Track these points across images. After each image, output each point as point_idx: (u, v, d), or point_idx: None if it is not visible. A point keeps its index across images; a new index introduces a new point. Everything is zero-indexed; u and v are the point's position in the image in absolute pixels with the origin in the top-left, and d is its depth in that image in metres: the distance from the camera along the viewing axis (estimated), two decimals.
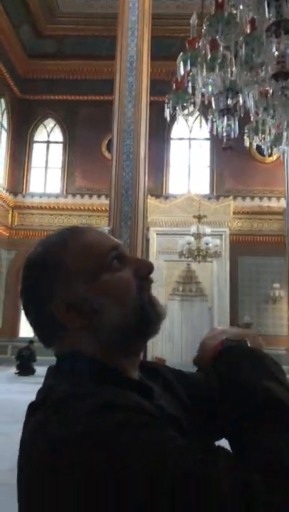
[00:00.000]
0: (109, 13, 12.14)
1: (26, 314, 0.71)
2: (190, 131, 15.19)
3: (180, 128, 15.09)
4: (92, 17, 13.86)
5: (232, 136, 2.57)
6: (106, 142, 14.50)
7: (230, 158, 14.13)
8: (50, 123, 15.60)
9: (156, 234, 13.78)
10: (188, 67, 2.34)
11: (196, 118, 13.94)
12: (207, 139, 14.94)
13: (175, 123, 14.74)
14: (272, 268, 13.94)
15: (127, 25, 7.42)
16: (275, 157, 13.73)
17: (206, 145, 15.06)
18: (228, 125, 2.52)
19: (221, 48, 2.17)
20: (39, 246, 0.72)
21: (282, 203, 13.35)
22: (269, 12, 1.71)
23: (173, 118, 2.85)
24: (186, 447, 0.55)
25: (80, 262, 0.67)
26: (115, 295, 0.66)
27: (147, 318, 0.68)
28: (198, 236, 11.00)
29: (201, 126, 11.40)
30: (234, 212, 13.97)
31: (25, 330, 14.24)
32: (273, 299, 13.70)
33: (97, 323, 0.66)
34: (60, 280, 0.67)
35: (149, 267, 0.70)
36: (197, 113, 2.96)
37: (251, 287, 13.98)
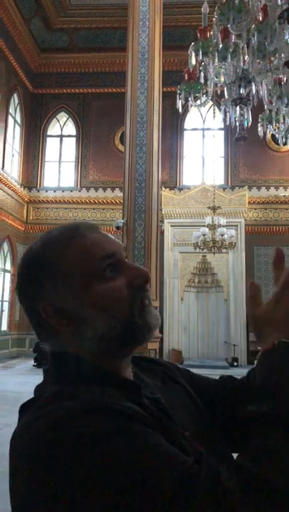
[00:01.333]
0: (119, 4, 12.04)
1: (23, 309, 0.72)
2: (203, 122, 15.04)
3: (193, 118, 14.96)
4: (103, 8, 13.77)
5: (245, 125, 2.54)
6: (119, 135, 14.46)
7: (245, 148, 13.98)
8: (62, 117, 15.61)
9: (171, 226, 13.74)
10: (200, 57, 2.31)
11: (210, 108, 13.80)
12: (221, 129, 14.77)
13: (188, 113, 14.66)
14: (287, 258, 13.79)
15: (138, 16, 7.35)
16: None
17: (220, 135, 14.89)
18: (241, 115, 2.49)
19: (233, 37, 2.14)
20: (38, 243, 0.71)
21: None
22: None
23: (186, 108, 2.82)
24: (168, 457, 0.56)
25: (75, 267, 0.66)
26: (104, 307, 0.65)
27: (135, 329, 0.67)
28: (213, 227, 10.93)
29: (214, 117, 11.26)
30: (249, 203, 13.83)
31: None
32: None
33: (83, 331, 0.66)
34: (52, 282, 0.66)
35: (145, 277, 0.69)
36: (211, 103, 2.92)
37: (268, 278, 13.86)
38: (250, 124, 2.57)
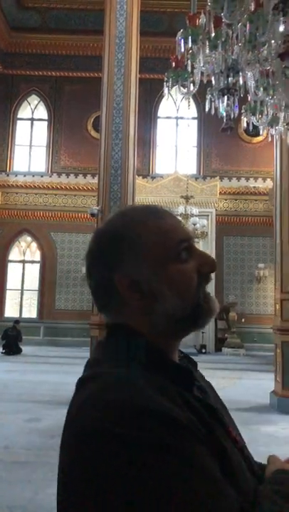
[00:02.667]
0: None
1: (88, 277, 0.73)
2: (177, 110, 15.02)
3: (167, 106, 14.90)
4: None
5: (232, 116, 2.55)
6: (92, 120, 14.25)
7: (218, 139, 14.08)
8: (34, 100, 15.22)
9: None
10: (189, 45, 2.30)
11: (184, 97, 13.72)
12: (194, 118, 14.81)
13: (162, 101, 14.58)
14: (257, 248, 14.10)
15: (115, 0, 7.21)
16: (262, 138, 13.73)
17: (194, 124, 14.92)
18: (228, 105, 2.50)
19: (224, 26, 2.14)
20: (119, 218, 0.73)
21: (268, 183, 13.42)
22: None
23: (160, 96, 2.80)
24: (219, 489, 0.56)
25: (155, 245, 0.68)
26: (177, 287, 0.68)
27: (200, 313, 0.70)
28: (185, 216, 11.01)
29: (189, 106, 11.27)
30: (220, 193, 13.99)
31: (11, 310, 14.21)
32: (258, 278, 13.89)
33: (154, 308, 0.68)
34: (133, 255, 0.68)
35: (213, 266, 0.72)
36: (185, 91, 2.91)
37: (236, 267, 14.14)
38: (236, 114, 2.59)
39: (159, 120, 15.12)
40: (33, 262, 14.60)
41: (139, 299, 0.68)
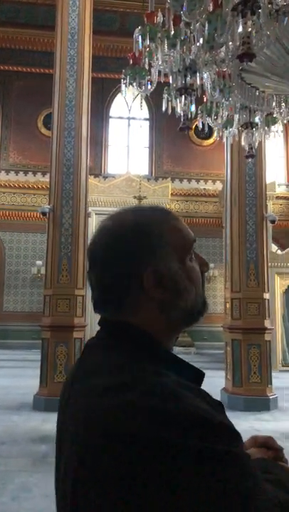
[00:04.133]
0: None
1: (101, 272, 0.72)
2: (129, 111, 15.02)
3: (119, 106, 14.87)
4: None
5: (189, 116, 2.56)
6: (42, 117, 13.94)
7: (169, 140, 14.24)
8: None
9: (96, 214, 13.59)
10: (147, 42, 2.28)
11: (136, 97, 13.79)
12: (146, 119, 14.89)
13: (114, 101, 14.53)
14: (207, 249, 14.38)
15: None
16: (212, 140, 14.05)
17: (146, 126, 15.00)
18: (185, 104, 2.51)
19: (182, 25, 2.14)
20: (136, 215, 0.75)
21: (218, 185, 13.73)
22: None
23: (112, 96, 2.77)
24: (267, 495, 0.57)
25: (177, 242, 0.73)
26: (194, 282, 0.73)
27: (205, 308, 0.77)
28: None
29: (141, 107, 11.30)
30: (172, 194, 14.14)
31: None
32: (208, 278, 14.18)
33: (176, 303, 0.71)
34: (162, 250, 0.71)
35: (208, 266, 0.79)
36: (136, 92, 2.89)
37: None
38: (194, 114, 2.60)
39: (111, 120, 15.05)
40: None
41: (162, 293, 0.70)
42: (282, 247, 13.02)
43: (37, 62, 13.62)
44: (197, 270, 0.75)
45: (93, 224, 13.53)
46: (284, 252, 11.46)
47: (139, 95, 2.77)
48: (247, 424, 5.67)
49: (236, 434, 0.59)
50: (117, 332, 0.70)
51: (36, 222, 12.32)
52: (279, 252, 11.77)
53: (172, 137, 13.80)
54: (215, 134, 3.09)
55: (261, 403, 6.39)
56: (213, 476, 0.53)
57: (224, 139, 3.21)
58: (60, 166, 6.69)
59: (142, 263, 0.70)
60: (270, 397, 6.54)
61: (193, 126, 3.26)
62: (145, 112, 14.58)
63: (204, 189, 14.64)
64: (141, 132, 14.99)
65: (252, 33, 1.76)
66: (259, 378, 6.61)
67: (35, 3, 13.41)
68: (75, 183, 6.71)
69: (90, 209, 13.39)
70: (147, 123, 14.91)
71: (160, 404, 0.56)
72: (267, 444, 0.80)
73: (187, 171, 14.75)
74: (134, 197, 11.48)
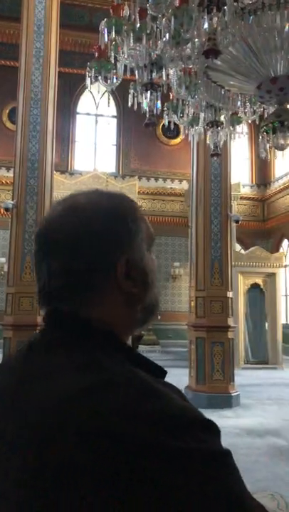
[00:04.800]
0: None
1: (65, 255, 0.62)
2: (96, 107, 14.89)
3: (86, 103, 14.71)
4: None
5: (154, 112, 2.54)
6: (7, 111, 13.60)
7: (137, 138, 14.22)
8: None
9: None
10: (113, 35, 2.24)
11: (104, 94, 13.68)
12: (114, 116, 14.80)
13: (81, 97, 14.36)
14: (173, 247, 14.48)
15: None
16: (179, 140, 14.13)
17: (113, 123, 14.91)
18: (151, 100, 2.49)
19: (148, 19, 2.12)
20: (110, 196, 0.68)
21: (184, 185, 13.83)
22: None
23: (79, 92, 2.72)
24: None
25: (147, 231, 0.68)
26: (154, 276, 0.68)
27: (157, 307, 0.71)
28: None
29: (109, 104, 11.18)
30: (139, 193, 14.13)
31: None
32: (173, 276, 14.28)
33: (142, 296, 0.66)
34: (138, 238, 0.65)
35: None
36: (104, 89, 2.85)
37: None
38: (158, 110, 2.58)
39: (78, 116, 14.87)
40: None
41: (132, 286, 0.63)
42: (246, 247, 13.28)
43: (2, 54, 13.27)
44: (156, 264, 0.70)
45: None
46: (247, 251, 11.67)
47: (107, 92, 2.72)
48: None
49: (218, 430, 0.55)
50: (77, 328, 0.61)
51: (2, 219, 12.01)
52: (243, 251, 11.98)
53: (140, 135, 13.79)
54: (185, 130, 3.08)
55: (224, 400, 6.49)
56: (213, 478, 0.49)
57: (190, 138, 3.21)
58: (25, 161, 6.54)
59: (118, 249, 0.62)
60: (233, 394, 6.65)
61: (161, 125, 3.23)
62: (113, 109, 14.49)
63: (171, 188, 14.72)
64: (108, 129, 14.90)
65: (218, 30, 1.75)
66: (222, 376, 6.70)
67: None
68: (40, 179, 6.57)
69: None
70: (115, 120, 14.83)
71: (143, 404, 0.51)
72: None
73: (154, 169, 14.79)
74: None
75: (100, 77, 2.44)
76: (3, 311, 6.55)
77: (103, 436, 0.48)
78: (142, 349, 12.98)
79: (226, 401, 6.50)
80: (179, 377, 8.15)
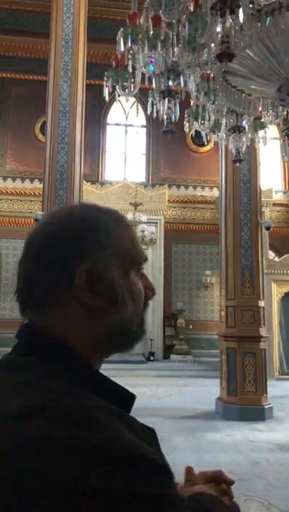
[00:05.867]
0: None
1: (29, 258, 0.63)
2: (126, 117, 15.04)
3: (116, 113, 14.89)
4: None
5: (172, 119, 2.51)
6: (40, 124, 13.93)
7: (166, 147, 14.22)
8: None
9: None
10: (129, 44, 2.23)
11: (133, 104, 13.80)
12: (143, 126, 14.89)
13: (111, 108, 14.55)
14: (204, 256, 14.32)
15: (62, 2, 7.08)
16: (208, 147, 14.03)
17: (143, 132, 15.00)
18: (169, 107, 2.46)
19: (164, 26, 2.09)
20: (87, 207, 0.67)
21: (215, 192, 13.68)
22: None
23: (109, 103, 2.72)
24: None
25: (126, 248, 0.65)
26: (135, 298, 0.65)
27: (141, 332, 0.68)
28: (134, 223, 10.98)
29: (138, 114, 11.28)
30: (169, 201, 14.12)
31: None
32: (205, 285, 14.10)
33: (109, 311, 0.62)
34: (107, 249, 0.62)
35: (154, 292, 0.71)
36: (134, 99, 2.85)
37: (184, 274, 14.28)
38: (177, 117, 2.54)
39: (108, 127, 15.06)
40: None
41: (97, 299, 0.61)
42: (280, 254, 12.95)
43: (35, 69, 13.65)
44: (141, 288, 0.66)
45: None
46: (281, 258, 11.39)
47: (136, 103, 2.72)
48: (241, 435, 5.56)
49: (169, 473, 0.50)
50: (29, 342, 0.60)
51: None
52: (276, 259, 11.70)
53: (169, 144, 13.79)
54: (206, 137, 3.03)
55: (256, 413, 6.29)
56: None
57: (219, 145, 3.14)
58: (53, 172, 6.65)
59: (78, 256, 0.60)
60: (265, 407, 6.44)
61: (190, 133, 3.19)
62: (142, 119, 14.58)
63: (201, 196, 14.61)
64: (138, 139, 15.00)
65: (233, 33, 1.70)
66: (254, 387, 6.51)
67: (32, 10, 13.48)
68: (68, 190, 6.66)
69: None
70: (144, 130, 14.91)
71: (74, 434, 0.46)
72: (215, 478, 0.76)
73: (184, 177, 14.73)
74: (130, 204, 11.43)
75: (117, 87, 2.43)
76: None
77: (22, 469, 0.44)
78: (174, 359, 12.87)
79: (258, 413, 6.30)
80: (208, 388, 8.01)
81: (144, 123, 14.67)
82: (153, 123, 14.04)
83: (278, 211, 14.58)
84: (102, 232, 0.63)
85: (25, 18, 13.74)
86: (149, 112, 2.55)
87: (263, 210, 12.12)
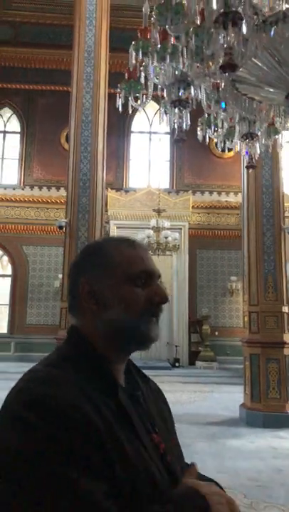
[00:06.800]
0: (67, 1, 11.86)
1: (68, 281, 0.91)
2: (150, 125, 15.18)
3: (140, 121, 15.05)
4: (50, 4, 13.50)
5: (183, 128, 2.56)
6: (65, 134, 14.22)
7: (190, 153, 14.26)
8: (6, 112, 15.13)
9: (117, 227, 13.73)
10: (140, 57, 2.31)
11: (157, 112, 13.90)
12: (167, 133, 14.99)
13: (135, 116, 14.72)
14: (229, 261, 14.23)
15: (84, 14, 7.27)
16: (232, 152, 13.98)
17: (166, 139, 15.10)
18: (180, 117, 2.51)
19: (172, 39, 2.16)
20: (103, 240, 0.98)
21: (239, 197, 13.59)
22: (217, 2, 1.71)
23: (133, 111, 2.81)
24: (83, 489, 0.65)
25: (119, 266, 0.84)
26: (125, 303, 0.82)
27: (136, 332, 0.83)
28: (157, 229, 11.04)
29: (160, 121, 11.40)
30: (193, 207, 14.12)
31: None
32: (230, 291, 13.99)
33: (102, 314, 0.83)
34: (98, 268, 0.84)
35: (163, 298, 0.85)
36: (158, 107, 2.93)
37: (209, 280, 14.22)
38: (188, 126, 2.60)
39: (132, 135, 15.23)
40: (4, 276, 14.34)
41: (94, 304, 0.83)
42: None
43: (60, 80, 13.98)
44: (137, 295, 0.83)
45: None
46: None
47: (160, 110, 2.82)
48: (264, 442, 5.51)
49: (76, 426, 0.68)
50: (68, 334, 0.87)
51: (58, 237, 12.49)
52: None
53: (193, 150, 13.82)
54: (221, 144, 3.07)
55: (280, 420, 6.20)
56: (28, 446, 0.66)
57: (235, 152, 3.17)
58: (76, 180, 6.80)
59: (80, 273, 0.86)
60: None
61: (208, 137, 3.24)
62: (165, 126, 14.68)
63: (226, 201, 14.55)
64: (162, 146, 15.09)
65: (236, 44, 1.75)
66: (278, 394, 6.42)
67: (59, 24, 13.84)
68: (91, 197, 6.80)
69: (111, 222, 13.57)
70: (168, 137, 15.00)
71: (31, 388, 0.73)
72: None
73: (208, 183, 14.72)
74: (154, 210, 11.50)
75: (130, 98, 2.51)
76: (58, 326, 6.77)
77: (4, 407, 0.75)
78: (199, 365, 12.81)
79: (282, 421, 6.21)
80: (233, 395, 7.95)
81: (168, 130, 14.77)
82: (171, 127, 14.11)
83: None
84: (100, 255, 0.86)
85: (51, 32, 14.13)
86: (159, 122, 2.62)
87: (287, 214, 12.00)
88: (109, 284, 0.83)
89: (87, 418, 0.69)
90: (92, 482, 0.65)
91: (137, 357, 11.64)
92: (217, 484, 0.86)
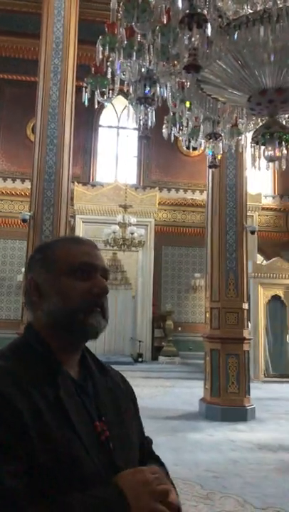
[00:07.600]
0: None
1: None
2: (118, 120, 15.12)
3: (108, 116, 14.96)
4: None
5: (149, 125, 2.59)
6: (32, 125, 13.95)
7: (157, 150, 14.32)
8: None
9: (83, 221, 13.63)
10: (107, 52, 2.31)
11: (125, 107, 13.83)
12: (135, 129, 14.96)
13: (103, 110, 14.61)
14: (194, 258, 14.43)
15: (52, 4, 7.15)
16: (199, 151, 14.16)
17: (134, 135, 15.09)
18: (146, 114, 2.54)
19: (139, 36, 2.17)
20: (52, 239, 1.07)
21: (205, 196, 13.79)
22: (182, 3, 1.73)
23: (101, 105, 2.80)
24: None
25: (59, 261, 0.91)
26: (63, 294, 0.88)
27: (75, 320, 0.88)
28: (123, 225, 11.05)
29: (128, 116, 11.37)
30: (160, 204, 14.21)
31: None
32: (194, 288, 14.20)
33: (44, 305, 0.90)
34: (41, 264, 0.93)
35: (103, 289, 0.90)
36: (126, 102, 2.94)
37: (174, 276, 14.38)
38: (154, 124, 2.63)
39: (100, 129, 15.13)
40: None
41: (38, 297, 0.91)
42: (268, 258, 13.09)
43: (28, 70, 13.64)
44: (75, 287, 0.88)
45: (80, 232, 13.54)
46: (267, 262, 11.52)
47: (127, 105, 2.82)
48: (222, 435, 5.65)
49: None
50: (24, 328, 0.95)
51: (22, 230, 12.26)
52: (265, 262, 11.82)
53: (160, 147, 13.89)
54: (186, 143, 3.11)
55: (238, 413, 6.38)
56: None
57: (202, 151, 3.22)
58: (42, 173, 6.71)
59: (30, 270, 0.95)
60: (248, 408, 6.53)
61: (173, 135, 3.26)
62: (133, 122, 14.66)
63: (192, 199, 14.73)
64: (130, 142, 15.08)
65: (198, 46, 1.78)
66: (237, 388, 6.60)
67: (27, 11, 13.50)
68: (57, 190, 6.72)
69: (77, 216, 13.45)
70: (136, 132, 14.99)
71: None
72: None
73: (175, 180, 14.84)
74: (120, 205, 11.50)
75: (96, 92, 2.51)
76: (20, 320, 6.66)
77: None
78: (161, 360, 12.95)
79: (240, 414, 6.39)
80: (194, 390, 8.10)
81: (136, 126, 14.76)
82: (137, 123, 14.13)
83: (267, 215, 14.74)
84: (44, 251, 0.94)
85: (19, 19, 13.76)
86: (127, 119, 2.63)
87: (251, 214, 12.27)
88: (48, 278, 0.90)
89: (11, 405, 0.75)
90: None
91: (100, 352, 11.62)
92: (166, 472, 0.92)
